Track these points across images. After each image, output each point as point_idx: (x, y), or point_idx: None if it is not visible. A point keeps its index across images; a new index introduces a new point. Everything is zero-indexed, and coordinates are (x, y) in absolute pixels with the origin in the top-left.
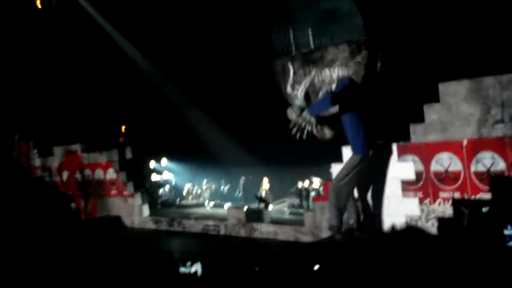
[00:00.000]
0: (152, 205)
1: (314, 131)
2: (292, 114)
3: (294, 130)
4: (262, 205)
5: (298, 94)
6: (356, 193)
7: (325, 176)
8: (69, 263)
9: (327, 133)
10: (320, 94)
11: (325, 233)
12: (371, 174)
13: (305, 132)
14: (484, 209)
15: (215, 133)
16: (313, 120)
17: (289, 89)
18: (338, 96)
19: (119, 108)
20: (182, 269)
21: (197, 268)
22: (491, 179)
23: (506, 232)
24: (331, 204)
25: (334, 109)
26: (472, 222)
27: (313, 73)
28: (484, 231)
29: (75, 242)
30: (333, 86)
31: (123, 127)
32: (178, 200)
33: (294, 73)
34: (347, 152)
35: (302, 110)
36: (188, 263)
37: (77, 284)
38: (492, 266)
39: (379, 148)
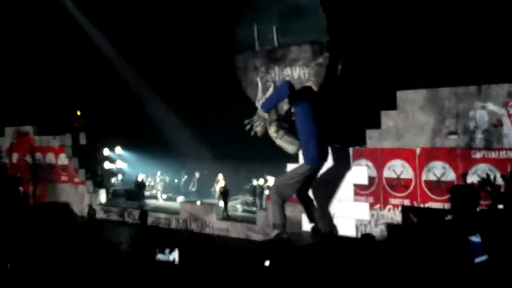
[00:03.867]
0: (104, 194)
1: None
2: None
3: (247, 127)
4: (221, 201)
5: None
6: (312, 194)
7: (280, 175)
8: (13, 247)
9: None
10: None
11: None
12: (325, 176)
13: (258, 130)
14: (448, 217)
15: (174, 125)
16: (266, 116)
17: (258, 105)
18: (292, 88)
19: (76, 91)
20: (160, 256)
21: (174, 256)
22: (452, 188)
23: (473, 239)
24: (274, 202)
25: (285, 102)
26: (428, 229)
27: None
28: (447, 239)
29: (21, 226)
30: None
31: (78, 112)
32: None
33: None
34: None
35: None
36: (167, 250)
37: (20, 269)
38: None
39: (334, 152)
